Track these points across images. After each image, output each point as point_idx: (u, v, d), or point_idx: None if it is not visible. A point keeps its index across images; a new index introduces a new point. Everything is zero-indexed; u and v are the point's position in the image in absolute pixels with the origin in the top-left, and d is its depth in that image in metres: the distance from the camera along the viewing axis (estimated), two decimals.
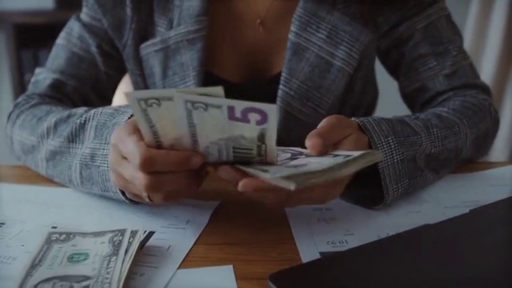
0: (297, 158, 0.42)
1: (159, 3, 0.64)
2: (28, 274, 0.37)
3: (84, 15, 0.65)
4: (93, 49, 0.64)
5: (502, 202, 0.50)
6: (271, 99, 0.62)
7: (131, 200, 0.47)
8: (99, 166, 0.47)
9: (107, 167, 0.46)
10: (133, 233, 0.41)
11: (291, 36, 0.61)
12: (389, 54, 0.67)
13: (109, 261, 0.38)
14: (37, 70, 0.67)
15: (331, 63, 0.61)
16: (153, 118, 0.37)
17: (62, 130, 0.51)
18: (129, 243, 0.40)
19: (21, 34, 1.55)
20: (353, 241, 0.43)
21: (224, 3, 0.65)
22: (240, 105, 0.35)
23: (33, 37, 1.60)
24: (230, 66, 0.66)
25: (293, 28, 0.60)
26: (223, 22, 0.65)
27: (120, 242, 0.40)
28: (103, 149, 0.46)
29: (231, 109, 0.35)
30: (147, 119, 0.37)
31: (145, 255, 0.41)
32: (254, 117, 0.35)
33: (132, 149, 0.38)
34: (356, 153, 0.38)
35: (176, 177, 0.39)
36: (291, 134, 0.62)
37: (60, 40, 0.66)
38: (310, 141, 0.40)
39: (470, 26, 1.68)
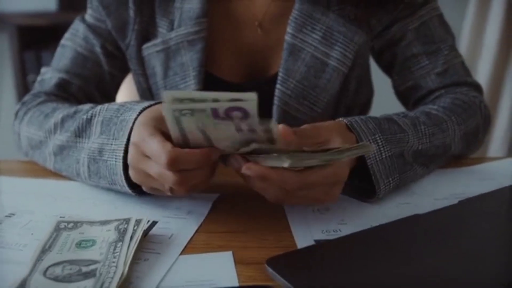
0: None
1: (160, 5, 0.66)
2: (39, 258, 0.39)
3: (89, 16, 0.68)
4: (97, 49, 0.66)
5: (490, 194, 0.52)
6: (269, 99, 0.65)
7: (137, 193, 0.49)
8: (107, 160, 0.49)
9: (115, 161, 0.48)
10: (138, 222, 0.44)
11: (287, 37, 0.63)
12: (383, 54, 0.69)
13: (115, 246, 0.40)
14: (43, 70, 0.69)
15: (326, 63, 0.63)
16: (185, 125, 0.40)
17: (69, 125, 0.54)
18: (134, 231, 0.42)
19: (24, 36, 1.57)
20: (347, 230, 0.45)
21: (223, 5, 0.67)
22: (222, 106, 0.37)
23: (36, 38, 1.62)
24: (229, 67, 0.68)
25: (289, 29, 0.63)
26: (222, 24, 0.67)
27: (125, 229, 0.42)
28: (111, 144, 0.49)
29: (214, 110, 0.37)
30: (178, 126, 0.40)
31: (149, 242, 0.43)
32: (237, 115, 0.38)
33: (158, 149, 0.41)
34: (349, 145, 0.41)
35: (199, 172, 0.43)
36: None
37: (66, 40, 0.68)
38: (282, 128, 0.41)
39: (467, 26, 1.70)
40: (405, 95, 0.69)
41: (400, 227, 0.45)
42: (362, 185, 0.51)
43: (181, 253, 0.42)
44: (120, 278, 0.36)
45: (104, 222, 0.44)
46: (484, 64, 1.71)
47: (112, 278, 0.36)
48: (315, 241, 0.44)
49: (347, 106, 0.69)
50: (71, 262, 0.39)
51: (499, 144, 1.75)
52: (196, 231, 0.46)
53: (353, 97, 0.69)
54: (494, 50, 1.67)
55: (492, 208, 0.49)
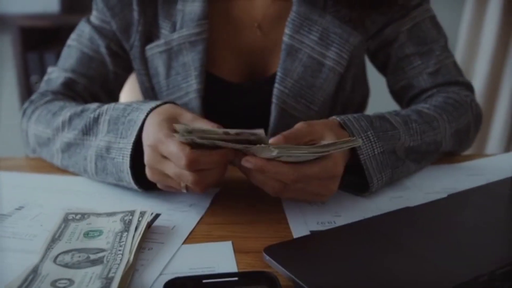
0: None
1: (163, 8, 0.68)
2: (49, 247, 0.41)
3: (94, 18, 0.70)
4: (103, 49, 0.69)
5: (477, 188, 0.55)
6: (268, 97, 0.67)
7: (143, 189, 0.51)
8: (114, 158, 0.51)
9: (122, 159, 0.50)
10: (142, 213, 0.46)
11: (285, 38, 0.65)
12: (378, 55, 0.72)
13: (121, 236, 0.42)
14: (50, 69, 0.71)
15: (322, 63, 0.65)
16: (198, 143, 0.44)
17: (77, 123, 0.56)
18: (138, 222, 0.44)
19: (27, 37, 1.59)
20: (341, 222, 0.48)
21: (224, 8, 0.69)
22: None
23: (39, 40, 1.64)
24: (229, 67, 0.71)
25: (287, 30, 0.65)
26: (223, 26, 0.69)
27: (131, 220, 0.45)
28: (118, 142, 0.51)
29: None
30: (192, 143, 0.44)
31: (153, 233, 0.46)
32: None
33: (176, 151, 0.44)
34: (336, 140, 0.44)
35: (215, 171, 0.46)
36: (286, 129, 0.67)
37: (71, 41, 0.71)
38: (273, 138, 0.45)
39: (464, 26, 1.72)
40: (399, 94, 0.72)
41: (392, 218, 0.47)
42: (356, 180, 0.53)
43: (183, 243, 0.44)
44: (126, 265, 0.38)
45: (110, 214, 0.47)
46: (481, 64, 1.73)
47: (119, 265, 0.38)
48: (311, 231, 0.46)
49: (343, 105, 0.72)
50: (79, 250, 0.41)
51: (497, 143, 1.77)
52: (198, 223, 0.48)
53: (349, 96, 0.72)
54: (491, 49, 1.69)
55: (479, 201, 0.52)
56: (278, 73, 0.65)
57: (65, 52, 0.71)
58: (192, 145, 0.44)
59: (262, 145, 0.42)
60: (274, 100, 0.66)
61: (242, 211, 0.50)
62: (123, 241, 0.42)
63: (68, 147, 0.57)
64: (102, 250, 0.41)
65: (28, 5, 1.55)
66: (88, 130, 0.55)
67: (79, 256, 0.40)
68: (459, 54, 1.74)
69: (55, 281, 0.36)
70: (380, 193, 0.55)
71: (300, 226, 0.47)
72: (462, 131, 0.64)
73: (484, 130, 1.81)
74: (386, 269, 0.38)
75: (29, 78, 1.62)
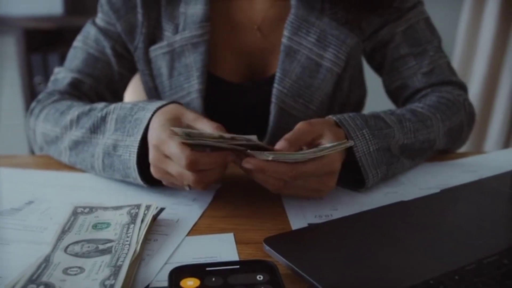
0: None
1: (166, 10, 0.70)
2: (60, 238, 0.43)
3: (99, 20, 0.72)
4: (108, 50, 0.71)
5: (469, 184, 0.57)
6: (267, 97, 0.69)
7: (149, 184, 0.53)
8: (121, 155, 0.54)
9: (129, 156, 0.53)
10: (147, 207, 0.48)
11: (284, 39, 0.67)
12: (373, 55, 0.74)
13: (128, 228, 0.45)
14: (56, 70, 0.73)
15: (320, 64, 0.68)
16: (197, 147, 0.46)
17: (84, 122, 0.58)
18: (144, 215, 0.47)
19: (31, 39, 1.61)
20: (337, 215, 0.50)
21: (225, 10, 0.72)
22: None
23: (42, 41, 1.66)
24: (230, 68, 0.73)
25: (285, 32, 0.67)
26: (224, 28, 0.72)
27: (137, 213, 0.47)
28: (125, 140, 0.53)
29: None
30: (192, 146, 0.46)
31: (158, 226, 0.48)
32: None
33: (177, 152, 0.46)
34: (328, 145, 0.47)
35: (215, 171, 0.48)
36: (285, 128, 0.69)
37: (78, 42, 0.73)
38: (278, 144, 0.47)
39: (462, 27, 1.74)
40: (394, 94, 0.74)
41: (386, 212, 0.49)
42: (352, 176, 0.55)
43: (187, 235, 0.46)
44: (133, 254, 0.40)
45: (117, 208, 0.49)
46: (479, 64, 1.75)
47: (126, 254, 0.40)
48: (309, 224, 0.48)
49: (341, 105, 0.74)
50: (88, 241, 0.43)
51: (494, 142, 1.79)
52: (201, 216, 0.50)
53: (346, 96, 0.74)
54: (489, 50, 1.71)
55: (470, 196, 0.54)
56: (277, 74, 0.68)
57: (71, 53, 0.73)
58: (193, 146, 0.46)
59: (259, 151, 0.44)
60: (273, 99, 0.68)
61: (243, 205, 0.52)
62: (130, 233, 0.44)
63: (76, 145, 0.59)
64: (110, 241, 0.43)
65: (32, 7, 1.57)
66: (96, 129, 0.57)
67: (88, 247, 0.42)
68: (457, 54, 1.76)
69: (67, 268, 0.38)
70: (375, 189, 0.57)
71: (298, 219, 0.49)
72: (455, 129, 0.66)
73: (482, 130, 1.83)
74: (379, 258, 0.40)
75: (33, 79, 1.64)
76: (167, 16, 0.70)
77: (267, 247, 0.42)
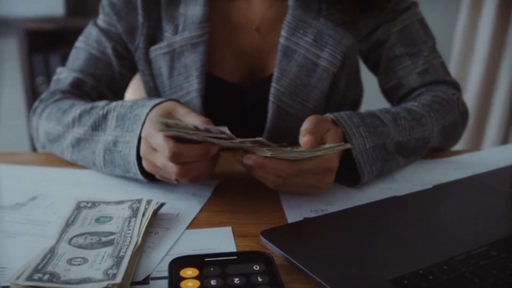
0: None
1: (166, 12, 0.72)
2: (64, 231, 0.45)
3: (101, 21, 0.74)
4: (109, 51, 0.72)
5: (461, 180, 0.58)
6: (265, 97, 0.71)
7: (148, 179, 0.55)
8: (121, 151, 0.55)
9: (129, 151, 0.54)
10: (148, 202, 0.50)
11: (281, 40, 0.69)
12: (369, 55, 0.75)
13: (130, 221, 0.46)
14: (59, 70, 0.75)
15: (316, 63, 0.69)
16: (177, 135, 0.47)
17: (86, 120, 0.60)
18: (145, 209, 0.48)
19: (33, 40, 1.63)
20: (333, 210, 0.51)
21: (224, 11, 0.73)
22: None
23: (44, 42, 1.68)
24: (229, 68, 0.74)
25: (283, 33, 0.69)
26: (223, 29, 0.73)
27: (138, 208, 0.48)
28: (125, 136, 0.55)
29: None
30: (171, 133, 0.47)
31: (158, 220, 0.49)
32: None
33: (162, 144, 0.47)
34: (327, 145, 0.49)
35: (200, 164, 0.49)
36: (282, 126, 0.71)
37: (79, 43, 0.74)
38: (305, 137, 0.48)
39: (459, 29, 1.76)
40: (390, 93, 0.75)
41: (380, 206, 0.51)
42: (348, 172, 0.57)
43: (187, 228, 0.48)
44: (135, 246, 0.42)
45: (118, 202, 0.50)
46: (477, 64, 1.76)
47: (128, 246, 0.42)
48: (304, 218, 0.50)
49: (337, 103, 0.75)
50: (91, 233, 0.45)
51: (492, 140, 1.81)
52: (200, 211, 0.52)
53: (342, 95, 0.75)
54: (486, 50, 1.73)
55: (462, 192, 0.55)
56: (275, 73, 0.69)
57: (73, 53, 0.74)
58: (181, 140, 0.47)
59: (257, 145, 0.46)
60: (271, 98, 0.69)
61: (241, 200, 0.54)
62: (131, 226, 0.45)
63: (78, 142, 0.60)
64: (113, 233, 0.44)
65: (34, 8, 1.59)
66: (97, 126, 0.58)
67: (92, 239, 0.44)
68: (455, 54, 1.78)
69: (71, 259, 0.40)
70: (371, 185, 0.58)
71: (294, 214, 0.51)
72: (449, 127, 0.68)
73: (480, 129, 1.85)
74: (371, 250, 0.42)
75: (34, 79, 1.66)
76: (167, 17, 0.72)
77: (264, 240, 0.43)
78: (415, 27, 0.72)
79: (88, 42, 0.73)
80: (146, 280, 0.39)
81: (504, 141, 1.81)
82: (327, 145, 0.49)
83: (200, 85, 0.70)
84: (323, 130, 0.52)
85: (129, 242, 0.42)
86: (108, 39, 0.72)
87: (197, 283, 0.36)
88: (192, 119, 0.50)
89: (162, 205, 0.53)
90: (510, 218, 0.49)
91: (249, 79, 0.75)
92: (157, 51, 0.72)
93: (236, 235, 0.46)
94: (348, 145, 0.50)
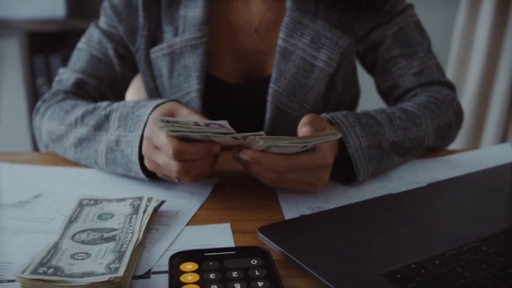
0: None
1: (166, 13, 0.73)
2: (67, 227, 0.46)
3: (102, 22, 0.75)
4: (110, 52, 0.74)
5: (455, 179, 0.60)
6: (264, 97, 0.72)
7: (150, 178, 0.56)
8: (123, 150, 0.56)
9: (131, 151, 0.55)
10: (149, 199, 0.51)
11: (279, 41, 0.70)
12: (366, 56, 0.77)
13: (131, 218, 0.47)
14: (61, 70, 0.76)
15: (314, 64, 0.70)
16: (177, 133, 0.48)
17: (89, 120, 0.61)
18: (146, 206, 0.49)
19: (34, 41, 1.64)
20: (329, 207, 0.52)
21: (223, 13, 0.74)
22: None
23: (45, 43, 1.69)
24: (228, 68, 0.75)
25: (281, 34, 0.70)
26: (222, 30, 0.74)
27: (139, 205, 0.50)
28: (127, 136, 0.56)
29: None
30: (172, 132, 0.48)
31: (159, 216, 0.50)
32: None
33: (165, 142, 0.48)
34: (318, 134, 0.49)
35: (200, 163, 0.50)
36: (280, 126, 0.72)
37: (81, 44, 0.76)
38: (304, 127, 0.50)
39: (458, 30, 1.77)
40: (386, 93, 0.77)
41: (375, 203, 0.52)
42: (344, 171, 0.58)
43: (187, 224, 0.49)
44: (136, 242, 0.43)
45: (120, 200, 0.52)
46: (475, 65, 1.78)
47: (130, 241, 0.43)
48: (301, 215, 0.51)
49: (334, 104, 0.77)
50: (94, 230, 0.46)
51: (490, 141, 1.82)
52: (199, 208, 0.53)
53: (339, 96, 0.77)
54: (484, 51, 1.74)
55: (455, 190, 0.57)
56: (273, 74, 0.70)
57: (75, 54, 0.76)
58: (183, 139, 0.49)
59: (250, 136, 0.47)
60: (269, 98, 0.71)
61: (239, 198, 0.55)
62: (132, 222, 0.46)
63: (81, 141, 0.62)
64: (114, 230, 0.46)
65: (35, 10, 1.60)
66: (100, 126, 0.60)
67: (94, 235, 0.45)
68: (453, 54, 1.79)
69: (74, 254, 0.41)
70: (366, 183, 0.59)
71: (291, 211, 0.52)
72: (444, 127, 0.69)
73: (477, 129, 1.86)
74: (365, 245, 0.43)
75: (35, 81, 1.67)
76: (168, 19, 0.73)
77: (261, 235, 0.45)
78: (410, 29, 0.73)
79: (90, 43, 0.75)
80: (147, 274, 0.40)
81: (502, 141, 1.83)
82: (317, 134, 0.49)
83: (199, 85, 0.71)
84: (320, 127, 0.53)
85: (131, 237, 0.44)
86: (110, 40, 0.74)
87: (197, 276, 0.37)
88: (194, 119, 0.51)
89: (162, 202, 0.54)
90: (501, 215, 0.50)
91: (248, 80, 0.76)
92: (158, 52, 0.74)
93: (234, 231, 0.48)
94: (338, 135, 0.49)
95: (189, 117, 0.52)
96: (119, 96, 0.77)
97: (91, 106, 0.62)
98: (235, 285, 0.36)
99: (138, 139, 0.55)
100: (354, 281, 0.37)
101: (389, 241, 0.44)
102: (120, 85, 0.76)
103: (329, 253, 0.41)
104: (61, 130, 0.64)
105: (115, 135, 0.57)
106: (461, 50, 1.79)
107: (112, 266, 0.39)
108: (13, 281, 0.39)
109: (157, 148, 0.51)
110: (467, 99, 1.81)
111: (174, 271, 0.38)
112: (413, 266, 0.39)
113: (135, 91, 0.92)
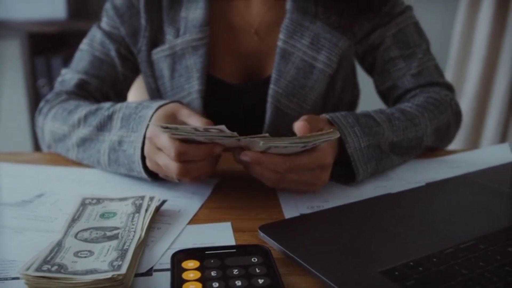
0: None
1: (168, 15, 0.74)
2: (70, 226, 0.47)
3: (104, 24, 0.76)
4: (113, 53, 0.74)
5: (453, 178, 0.60)
6: (264, 98, 0.73)
7: (152, 178, 0.57)
8: (126, 150, 0.57)
9: (133, 151, 0.56)
10: (151, 198, 0.51)
11: (279, 43, 0.71)
12: (365, 58, 0.77)
13: (133, 216, 0.48)
14: (63, 71, 0.77)
15: (313, 65, 0.71)
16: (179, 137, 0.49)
17: (92, 121, 0.62)
18: (148, 205, 0.50)
19: (35, 42, 1.65)
20: (328, 206, 0.53)
21: (224, 15, 0.75)
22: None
23: (46, 45, 1.70)
24: (229, 69, 0.76)
25: (281, 36, 0.71)
26: (223, 31, 0.75)
27: (141, 204, 0.50)
28: (130, 136, 0.57)
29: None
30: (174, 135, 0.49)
31: (160, 215, 0.51)
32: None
33: (167, 143, 0.49)
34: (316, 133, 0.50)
35: (201, 164, 0.51)
36: (280, 126, 0.72)
37: (84, 45, 0.76)
38: (299, 122, 0.50)
39: (457, 30, 1.78)
40: (385, 94, 0.77)
41: (374, 202, 0.53)
42: (344, 171, 0.59)
43: (188, 223, 0.50)
44: (138, 240, 0.44)
45: (122, 199, 0.52)
46: (474, 65, 1.78)
47: (132, 239, 0.44)
48: (301, 214, 0.51)
49: (334, 104, 0.77)
50: (97, 228, 0.46)
51: (490, 141, 1.83)
52: (200, 208, 0.53)
53: (339, 97, 0.77)
54: (484, 51, 1.75)
55: (454, 189, 0.57)
56: (273, 75, 0.71)
57: (78, 55, 0.76)
58: (185, 140, 0.49)
59: (249, 138, 0.47)
60: (269, 99, 0.71)
61: (239, 198, 0.56)
62: (135, 221, 0.47)
63: (83, 142, 0.62)
64: (117, 228, 0.46)
65: (36, 11, 1.61)
66: (102, 127, 0.60)
67: (97, 233, 0.45)
68: (452, 54, 1.80)
69: (77, 252, 0.42)
70: (365, 183, 0.60)
71: (291, 210, 0.52)
72: (443, 128, 0.70)
73: (477, 130, 1.87)
74: (365, 243, 0.44)
75: (36, 82, 1.68)
76: (169, 21, 0.74)
77: (262, 234, 0.45)
78: (409, 30, 0.74)
79: (92, 44, 0.75)
80: (149, 272, 0.41)
81: (501, 141, 1.83)
82: (316, 133, 0.49)
83: (200, 86, 0.72)
84: (317, 127, 0.53)
85: (133, 236, 0.44)
86: (112, 41, 0.74)
87: (198, 274, 0.38)
88: (194, 121, 0.52)
89: (164, 202, 0.55)
90: (499, 214, 0.51)
91: (248, 80, 0.76)
92: (159, 54, 0.74)
93: (235, 230, 0.48)
94: (337, 134, 0.49)
95: (189, 118, 0.53)
96: (121, 96, 0.78)
97: (94, 106, 0.63)
98: (236, 282, 0.37)
99: (140, 139, 0.55)
100: (353, 278, 0.38)
101: (388, 239, 0.45)
102: (122, 86, 0.77)
103: (328, 251, 0.42)
104: (64, 130, 0.65)
105: (118, 136, 0.58)
106: (461, 50, 1.79)
107: (115, 263, 0.39)
108: (17, 278, 0.39)
109: (159, 149, 0.52)
110: (466, 99, 1.81)
111: (176, 269, 0.39)
112: (411, 264, 0.40)
113: (137, 91, 0.93)
